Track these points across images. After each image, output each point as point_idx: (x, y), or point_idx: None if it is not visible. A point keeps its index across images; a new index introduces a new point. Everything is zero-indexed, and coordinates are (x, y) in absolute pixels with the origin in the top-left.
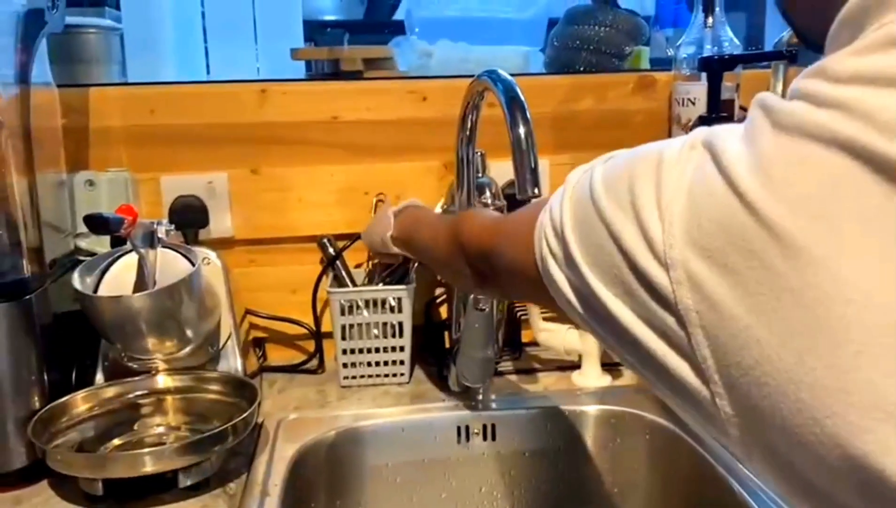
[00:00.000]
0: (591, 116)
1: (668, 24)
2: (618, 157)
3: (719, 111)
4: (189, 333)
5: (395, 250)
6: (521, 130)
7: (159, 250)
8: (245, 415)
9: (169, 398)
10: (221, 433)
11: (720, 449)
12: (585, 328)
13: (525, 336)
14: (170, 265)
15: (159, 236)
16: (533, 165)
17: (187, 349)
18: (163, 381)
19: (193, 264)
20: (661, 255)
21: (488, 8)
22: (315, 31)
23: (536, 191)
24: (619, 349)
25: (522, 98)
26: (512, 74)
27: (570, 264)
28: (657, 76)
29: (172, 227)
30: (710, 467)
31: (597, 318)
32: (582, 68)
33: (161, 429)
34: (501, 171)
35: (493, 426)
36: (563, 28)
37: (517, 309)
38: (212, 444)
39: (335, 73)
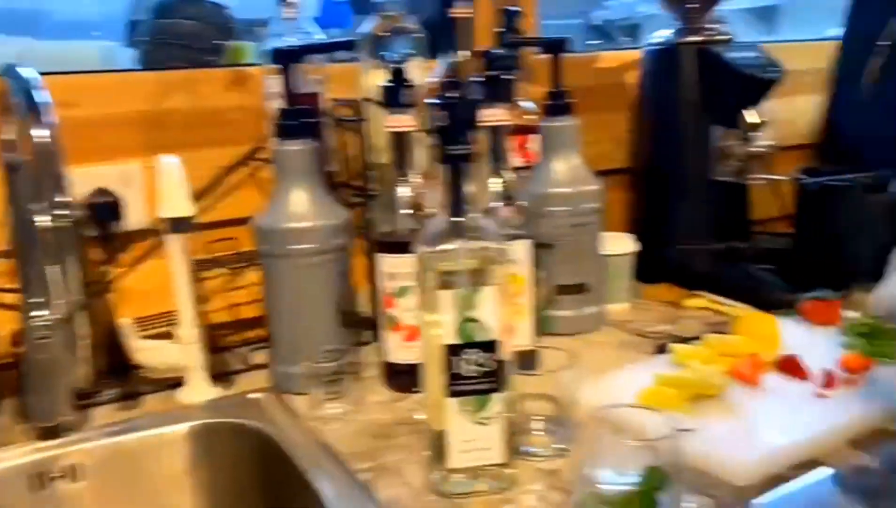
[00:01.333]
0: (182, 115)
1: (333, 25)
2: None
3: (297, 104)
4: None
5: None
6: (42, 133)
7: None
8: None
9: None
10: None
11: (299, 441)
12: None
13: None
14: None
15: None
16: (59, 170)
17: None
18: None
19: None
20: None
21: None
22: None
23: (65, 198)
24: None
25: (43, 98)
26: (87, 71)
27: None
28: (252, 71)
29: None
30: (290, 462)
31: None
32: (173, 64)
33: None
34: (89, 177)
35: (82, 465)
36: (149, 22)
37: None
38: None
39: None
